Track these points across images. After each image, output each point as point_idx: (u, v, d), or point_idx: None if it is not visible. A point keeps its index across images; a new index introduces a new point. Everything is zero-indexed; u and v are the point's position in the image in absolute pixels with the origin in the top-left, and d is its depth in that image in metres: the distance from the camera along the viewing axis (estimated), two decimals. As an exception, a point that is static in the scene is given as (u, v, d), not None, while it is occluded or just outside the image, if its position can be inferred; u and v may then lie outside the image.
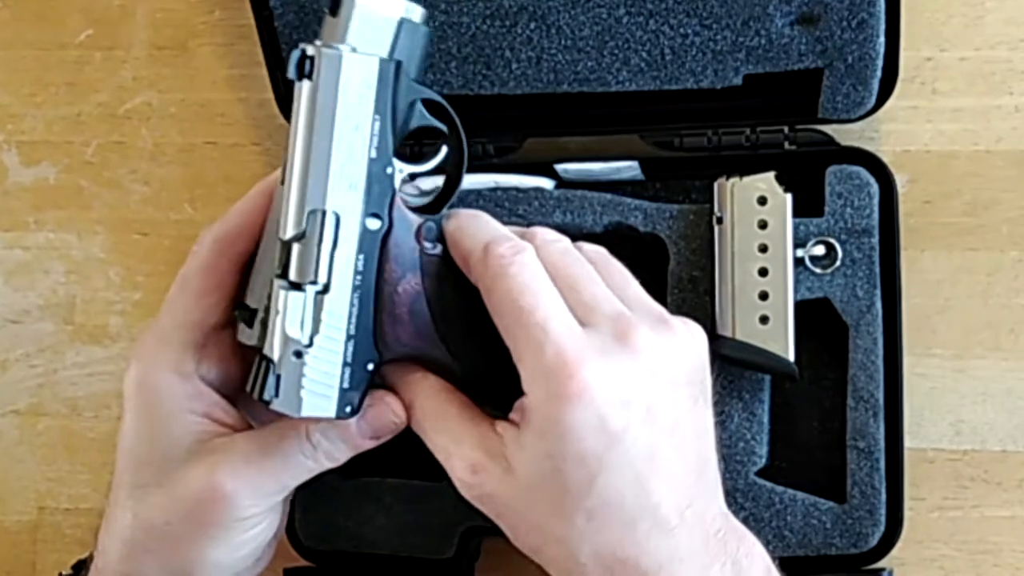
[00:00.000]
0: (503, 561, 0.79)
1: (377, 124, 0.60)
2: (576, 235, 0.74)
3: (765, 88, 0.76)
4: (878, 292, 0.74)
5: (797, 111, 0.76)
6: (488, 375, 0.61)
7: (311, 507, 0.77)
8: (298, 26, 0.77)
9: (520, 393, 0.58)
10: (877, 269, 0.74)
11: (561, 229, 0.75)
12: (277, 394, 0.59)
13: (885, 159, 0.75)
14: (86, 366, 0.85)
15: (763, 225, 0.73)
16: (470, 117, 0.78)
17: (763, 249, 0.73)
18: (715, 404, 0.72)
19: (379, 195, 0.60)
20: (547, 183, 0.77)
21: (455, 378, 0.62)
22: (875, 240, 0.74)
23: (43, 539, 0.85)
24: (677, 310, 0.70)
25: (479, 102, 0.78)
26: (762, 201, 0.74)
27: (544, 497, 0.57)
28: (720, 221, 0.74)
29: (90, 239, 0.86)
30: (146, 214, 0.86)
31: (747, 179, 0.74)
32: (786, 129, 0.76)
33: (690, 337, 0.61)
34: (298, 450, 0.62)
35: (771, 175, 0.74)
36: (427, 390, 0.62)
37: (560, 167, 0.77)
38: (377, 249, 0.60)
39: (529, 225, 0.75)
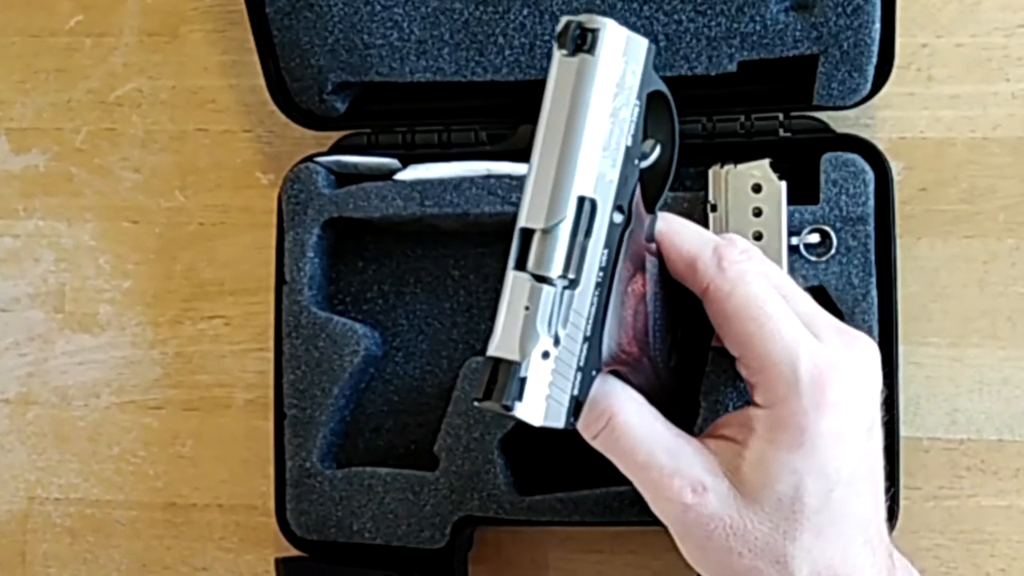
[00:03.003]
0: (496, 551, 0.79)
1: (636, 110, 0.56)
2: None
3: (760, 75, 0.76)
4: (873, 280, 0.74)
5: (792, 98, 0.76)
6: (677, 390, 0.59)
7: (303, 497, 0.77)
8: (289, 12, 0.77)
9: (692, 411, 0.57)
10: (872, 257, 0.74)
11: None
12: (520, 398, 0.53)
13: (881, 146, 0.75)
14: (76, 354, 0.85)
15: (758, 213, 0.73)
16: (462, 104, 0.79)
17: (758, 237, 0.73)
18: (709, 392, 0.72)
19: (626, 187, 0.56)
20: (540, 170, 0.77)
21: (647, 391, 0.59)
22: (870, 228, 0.74)
23: (33, 529, 0.84)
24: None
25: (472, 88, 0.78)
26: (757, 189, 0.73)
27: (775, 514, 0.56)
28: (715, 209, 0.73)
29: (80, 227, 0.85)
30: (137, 201, 0.85)
31: (742, 166, 0.74)
32: (781, 116, 0.76)
33: (874, 349, 0.61)
34: None
35: (766, 162, 0.74)
36: (631, 403, 0.58)
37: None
38: (616, 245, 0.56)
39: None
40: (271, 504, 0.78)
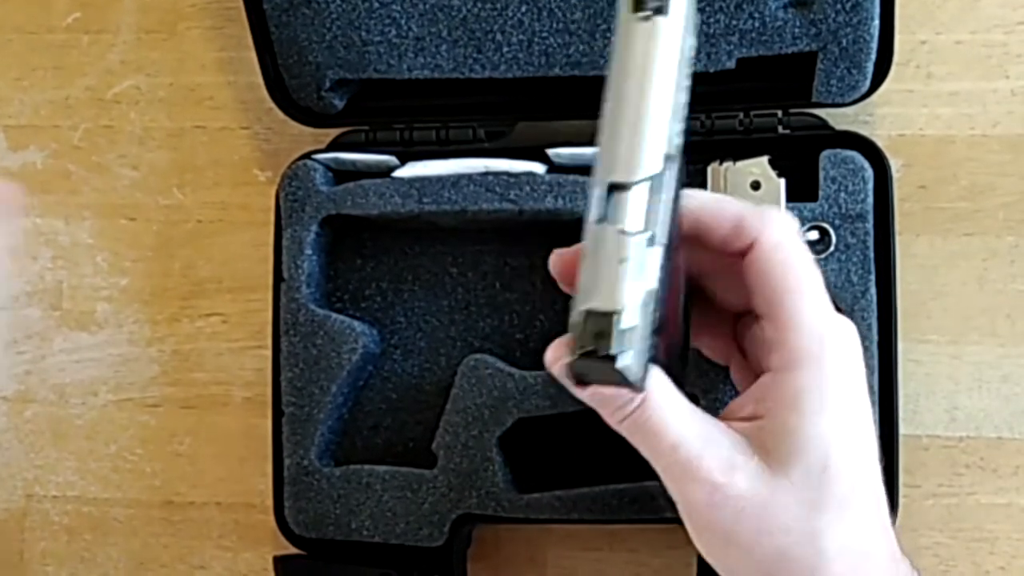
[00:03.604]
0: (495, 549, 0.79)
1: (687, 85, 0.54)
2: (568, 220, 0.74)
3: (759, 72, 0.75)
4: (872, 278, 0.74)
5: (791, 95, 0.76)
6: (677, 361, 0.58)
7: (301, 495, 0.76)
8: (287, 9, 0.77)
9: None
10: (871, 255, 0.74)
11: (553, 214, 0.75)
12: (624, 348, 0.49)
13: (880, 143, 0.75)
14: (73, 352, 0.85)
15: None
16: (461, 101, 0.79)
17: (757, 234, 0.72)
18: (708, 390, 0.72)
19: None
20: (539, 168, 0.76)
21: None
22: (870, 225, 0.74)
23: (31, 527, 0.84)
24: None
25: (469, 85, 0.78)
26: (755, 186, 0.73)
27: (804, 486, 0.54)
28: (713, 206, 0.73)
29: (78, 224, 0.85)
30: (134, 199, 0.85)
31: (740, 163, 0.73)
32: (780, 113, 0.75)
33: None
34: None
35: (764, 159, 0.73)
36: (663, 381, 0.55)
37: (552, 151, 0.76)
38: (677, 209, 0.55)
39: (520, 211, 0.75)
40: (269, 502, 0.78)
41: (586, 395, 0.54)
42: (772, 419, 0.55)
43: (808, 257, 0.57)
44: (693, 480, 0.54)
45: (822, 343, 0.56)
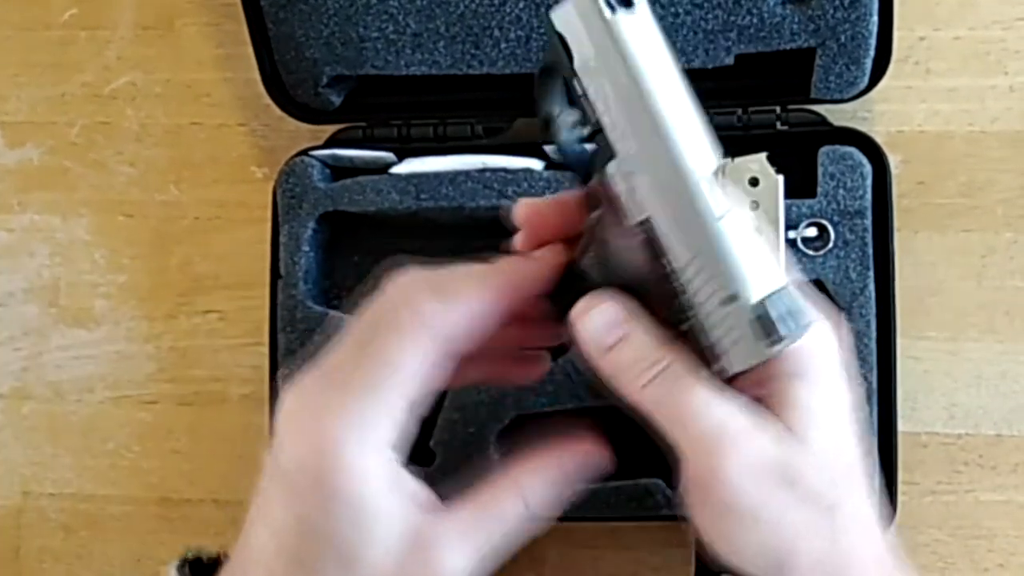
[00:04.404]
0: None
1: None
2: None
3: (757, 68, 0.75)
4: (871, 274, 0.74)
5: (789, 91, 0.76)
6: None
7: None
8: (284, 5, 0.76)
9: None
10: (870, 251, 0.74)
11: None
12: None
13: (878, 139, 0.75)
14: (70, 349, 0.84)
15: (755, 206, 0.72)
16: (458, 97, 0.79)
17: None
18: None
19: None
20: (536, 164, 0.76)
21: None
22: (868, 222, 0.74)
23: (27, 524, 0.84)
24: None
25: (467, 82, 0.77)
26: (754, 182, 0.73)
27: (823, 456, 0.52)
28: (711, 202, 0.73)
29: (75, 221, 0.85)
30: (131, 196, 0.85)
31: (738, 160, 0.73)
32: (778, 109, 0.75)
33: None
34: (513, 509, 0.54)
35: (763, 156, 0.73)
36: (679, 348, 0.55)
37: (549, 148, 0.76)
38: None
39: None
40: (266, 499, 0.78)
41: (605, 362, 0.53)
42: (787, 392, 0.53)
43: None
44: (719, 449, 0.51)
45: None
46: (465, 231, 0.79)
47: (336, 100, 0.79)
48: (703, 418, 0.52)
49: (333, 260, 0.80)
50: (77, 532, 0.84)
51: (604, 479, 0.74)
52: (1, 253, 0.85)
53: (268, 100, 0.79)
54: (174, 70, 0.85)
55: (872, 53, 0.74)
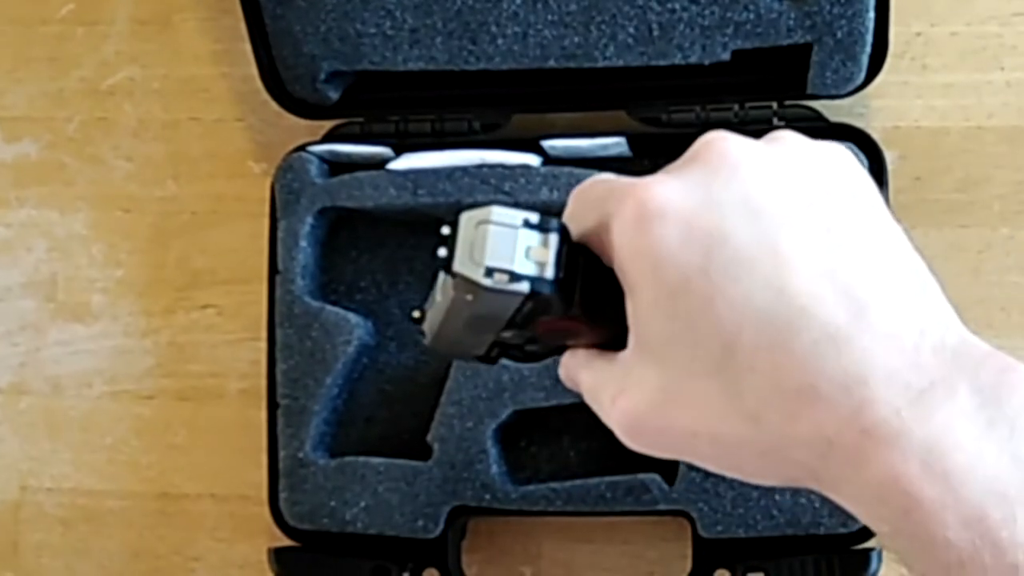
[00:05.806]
0: (490, 541, 0.79)
1: None
2: (562, 213, 0.74)
3: (753, 63, 0.75)
4: (867, 270, 0.74)
5: (786, 87, 0.76)
6: None
7: (297, 487, 0.76)
8: (281, 0, 0.76)
9: None
10: (867, 247, 0.74)
11: (548, 206, 0.75)
12: None
13: (875, 135, 0.75)
14: (68, 344, 0.84)
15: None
16: (456, 93, 0.79)
17: (752, 226, 0.72)
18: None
19: None
20: (534, 160, 0.77)
21: None
22: (865, 217, 0.74)
23: (25, 519, 0.84)
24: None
25: (465, 78, 0.77)
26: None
27: (692, 370, 0.44)
28: (708, 198, 0.73)
29: (72, 216, 0.85)
30: (129, 190, 0.85)
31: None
32: (775, 105, 0.76)
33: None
34: None
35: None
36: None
37: (547, 143, 0.77)
38: None
39: (515, 203, 0.75)
40: (264, 494, 0.78)
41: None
42: (637, 311, 0.48)
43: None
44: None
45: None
46: (463, 226, 0.79)
47: (334, 95, 0.79)
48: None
49: (331, 255, 0.80)
50: (75, 527, 0.84)
51: (601, 473, 0.74)
52: (-1, 248, 0.86)
53: (266, 95, 0.79)
54: (171, 65, 0.85)
55: (868, 49, 0.74)
